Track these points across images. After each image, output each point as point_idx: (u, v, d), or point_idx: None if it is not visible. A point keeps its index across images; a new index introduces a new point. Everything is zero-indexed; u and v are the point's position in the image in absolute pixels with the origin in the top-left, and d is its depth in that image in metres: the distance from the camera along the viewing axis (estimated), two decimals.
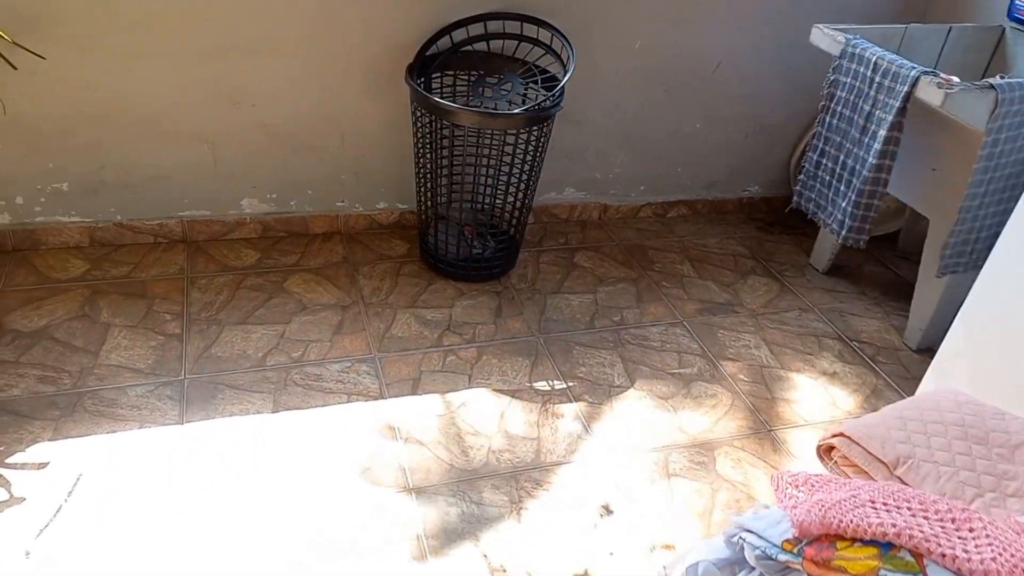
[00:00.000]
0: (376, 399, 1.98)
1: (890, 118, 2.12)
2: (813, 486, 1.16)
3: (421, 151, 2.32)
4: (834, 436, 1.39)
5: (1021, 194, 2.25)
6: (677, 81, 2.75)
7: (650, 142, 2.87)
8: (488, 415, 1.99)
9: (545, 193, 2.84)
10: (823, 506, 1.07)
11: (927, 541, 0.98)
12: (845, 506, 1.06)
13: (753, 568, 1.11)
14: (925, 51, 2.52)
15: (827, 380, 2.31)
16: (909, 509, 1.05)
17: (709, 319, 2.50)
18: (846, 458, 1.36)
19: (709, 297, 2.61)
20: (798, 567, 1.04)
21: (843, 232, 2.32)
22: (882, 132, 2.15)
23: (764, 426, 2.10)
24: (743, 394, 2.20)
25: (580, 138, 2.75)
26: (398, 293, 2.40)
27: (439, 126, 2.24)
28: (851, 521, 1.03)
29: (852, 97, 2.26)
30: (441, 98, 2.45)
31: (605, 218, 3.00)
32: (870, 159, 2.20)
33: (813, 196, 2.47)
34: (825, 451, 1.41)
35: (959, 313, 1.97)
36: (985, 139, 2.04)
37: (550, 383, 2.13)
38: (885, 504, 1.06)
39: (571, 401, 2.08)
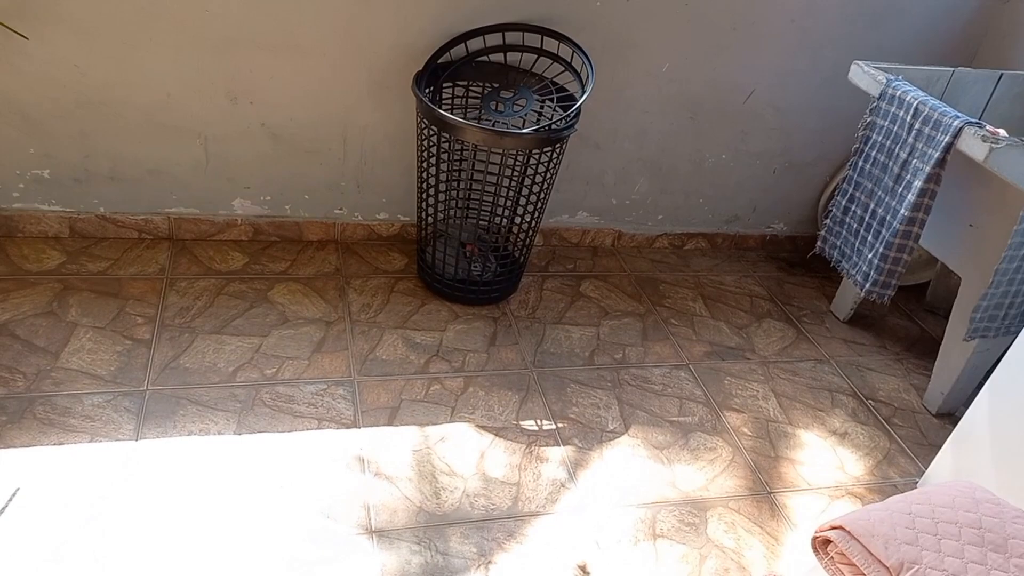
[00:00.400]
0: (349, 427, 1.86)
1: (928, 169, 1.96)
2: None
3: (425, 163, 2.20)
4: (832, 528, 1.24)
5: None
6: (706, 108, 2.60)
7: (672, 170, 2.72)
8: (467, 453, 1.86)
9: (556, 215, 2.70)
10: None
11: None
12: None
13: None
14: (972, 98, 2.35)
15: (837, 440, 2.15)
16: None
17: (717, 363, 2.34)
18: (843, 555, 1.21)
19: (720, 340, 2.46)
20: None
21: (867, 285, 2.16)
22: (917, 183, 1.99)
23: (764, 487, 1.95)
24: (745, 450, 2.05)
25: (598, 161, 2.61)
26: (388, 311, 2.27)
27: (444, 140, 2.11)
28: None
29: (888, 142, 2.10)
30: (452, 110, 2.33)
31: (618, 246, 2.85)
32: (902, 211, 2.04)
33: (838, 243, 2.31)
34: (821, 544, 1.26)
35: (987, 382, 1.80)
36: None
37: (538, 423, 2.00)
38: None
39: (558, 444, 1.95)
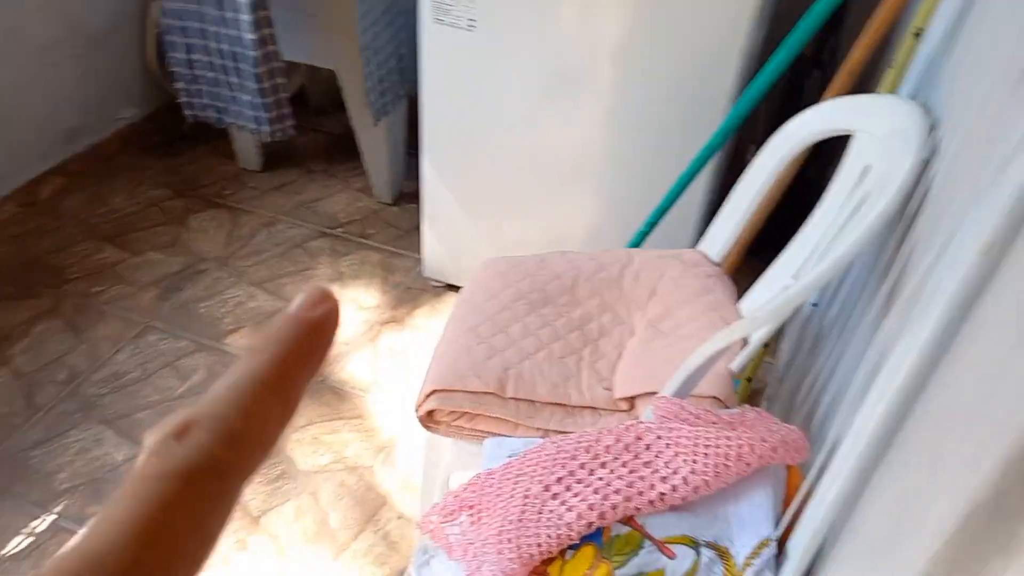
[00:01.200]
0: None
1: None
2: (471, 508, 0.86)
3: None
4: (427, 398, 1.10)
5: (408, 9, 2.07)
6: None
7: None
8: None
9: None
10: (508, 537, 0.78)
11: (627, 501, 0.77)
12: (528, 521, 0.79)
13: None
14: None
15: (340, 287, 2.02)
16: (583, 469, 0.82)
17: (179, 298, 1.96)
18: (455, 412, 1.10)
19: (161, 272, 2.04)
20: None
21: (265, 128, 1.93)
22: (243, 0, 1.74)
23: (313, 380, 1.75)
24: None
25: None
26: None
27: None
28: (548, 537, 0.77)
29: None
30: None
31: None
32: (246, 35, 1.78)
33: (207, 101, 2.00)
34: (428, 418, 1.12)
35: (424, 150, 1.78)
36: None
37: (20, 538, 1.45)
38: (560, 481, 0.82)
39: (70, 533, 1.46)
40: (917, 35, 1.09)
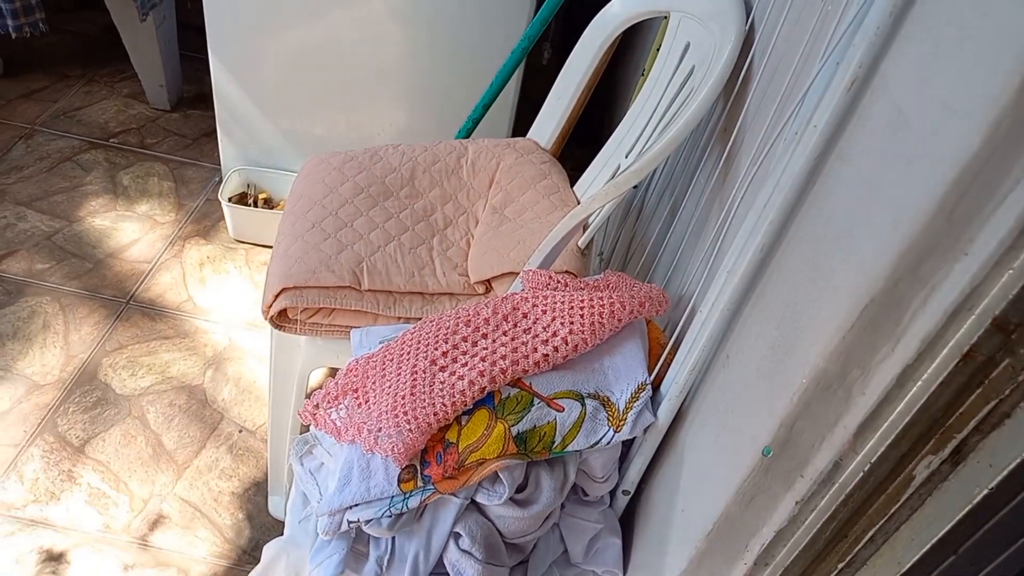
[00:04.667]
0: None
1: None
2: (355, 392, 0.88)
3: None
4: (277, 298, 1.07)
5: None
6: None
7: None
8: None
9: None
10: (404, 410, 0.81)
11: (514, 364, 0.83)
12: (420, 393, 0.83)
13: (379, 541, 0.84)
14: None
15: (126, 202, 1.84)
16: (466, 341, 0.86)
17: None
18: (308, 309, 1.08)
19: None
20: (433, 497, 0.81)
21: (10, 23, 1.67)
22: None
23: (118, 303, 1.62)
24: (62, 286, 1.63)
25: None
26: None
27: None
28: (443, 405, 0.81)
29: None
30: None
31: None
32: None
33: None
34: (280, 318, 1.09)
35: (211, 49, 1.63)
36: None
37: None
38: (446, 355, 0.86)
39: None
40: None
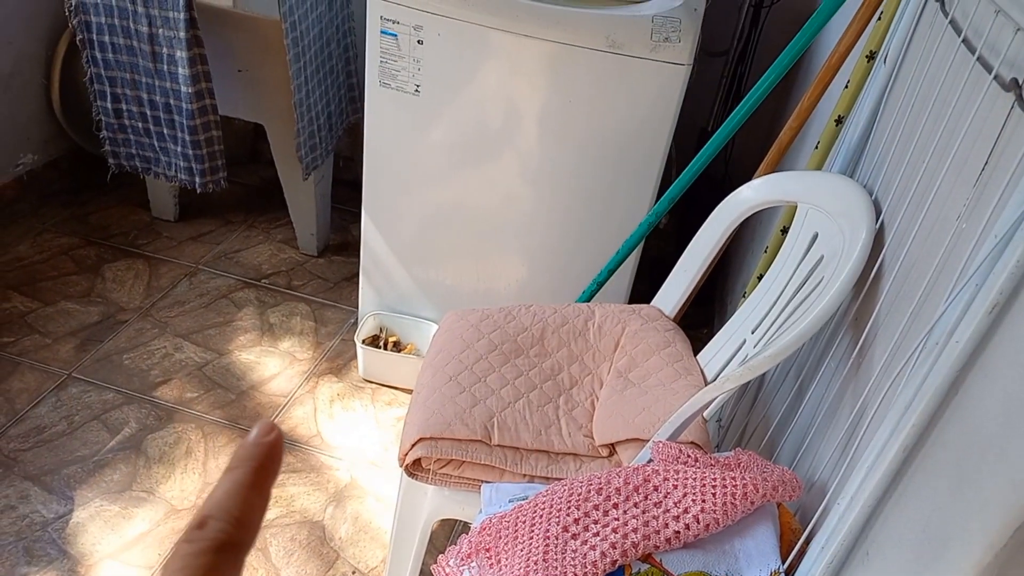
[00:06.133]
0: None
1: (183, 34, 1.71)
2: (487, 551, 0.92)
3: None
4: (414, 447, 1.14)
5: (337, 68, 2.13)
6: None
7: None
8: None
9: None
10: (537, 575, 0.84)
11: (646, 539, 0.85)
12: (553, 560, 0.85)
13: None
14: None
15: (271, 339, 2.00)
16: (598, 510, 0.90)
17: (100, 350, 1.89)
18: (440, 460, 1.14)
19: (79, 322, 1.96)
20: None
21: (198, 180, 1.91)
22: (181, 53, 1.73)
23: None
24: (206, 414, 1.76)
25: None
26: None
27: None
28: (575, 575, 0.84)
29: (118, 21, 1.75)
30: None
31: None
32: (184, 88, 1.78)
33: (135, 151, 1.95)
34: (414, 467, 1.16)
35: (365, 204, 1.81)
36: (284, 26, 1.81)
37: None
38: (578, 522, 0.89)
39: None
40: (838, 122, 1.27)
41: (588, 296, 1.60)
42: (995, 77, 0.68)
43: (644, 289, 1.72)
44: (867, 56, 1.17)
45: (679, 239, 2.02)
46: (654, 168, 1.62)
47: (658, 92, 1.54)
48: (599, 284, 1.59)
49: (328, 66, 2.07)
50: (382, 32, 1.60)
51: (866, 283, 0.93)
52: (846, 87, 1.22)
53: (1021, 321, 0.55)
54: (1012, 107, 0.62)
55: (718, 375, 1.20)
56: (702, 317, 2.18)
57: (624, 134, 1.59)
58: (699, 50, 1.57)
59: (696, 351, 1.28)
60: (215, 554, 0.27)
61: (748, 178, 1.33)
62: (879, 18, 1.15)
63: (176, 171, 1.93)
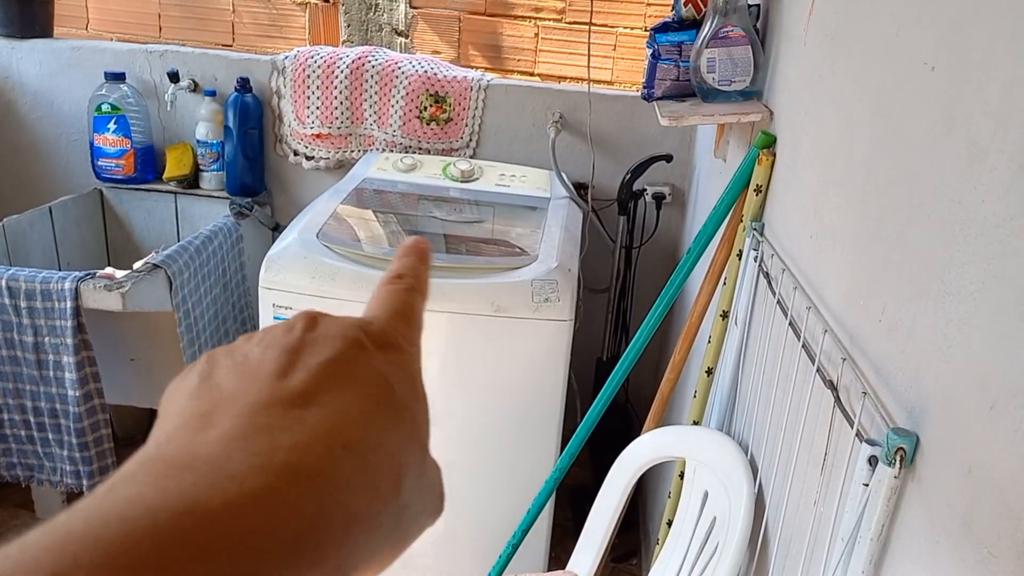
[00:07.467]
0: None
1: (70, 340, 1.71)
2: None
3: None
4: None
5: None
6: None
7: None
8: None
9: None
10: None
11: None
12: None
13: None
14: (40, 243, 2.13)
15: None
16: None
17: None
18: None
19: None
20: None
21: (86, 483, 1.83)
22: (68, 358, 1.73)
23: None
24: None
25: None
26: None
27: None
28: None
29: (1, 335, 1.74)
30: None
31: None
32: (70, 392, 1.75)
33: (16, 459, 1.87)
34: None
35: None
36: (177, 316, 1.84)
37: None
38: None
39: None
40: (708, 373, 1.36)
41: (505, 560, 1.56)
42: (818, 370, 0.76)
43: (568, 517, 1.70)
44: (721, 315, 1.29)
45: (595, 464, 2.04)
46: (555, 413, 1.66)
47: (548, 347, 1.62)
48: (514, 547, 1.56)
49: (225, 342, 2.09)
50: (275, 318, 1.66)
51: (756, 549, 0.95)
52: (708, 342, 1.33)
53: None
54: (834, 408, 0.69)
55: None
56: (631, 544, 2.15)
57: (521, 384, 1.65)
58: (584, 289, 1.69)
59: None
60: (386, 348, 0.30)
61: (650, 402, 1.41)
62: (724, 283, 1.28)
63: (62, 475, 1.85)
